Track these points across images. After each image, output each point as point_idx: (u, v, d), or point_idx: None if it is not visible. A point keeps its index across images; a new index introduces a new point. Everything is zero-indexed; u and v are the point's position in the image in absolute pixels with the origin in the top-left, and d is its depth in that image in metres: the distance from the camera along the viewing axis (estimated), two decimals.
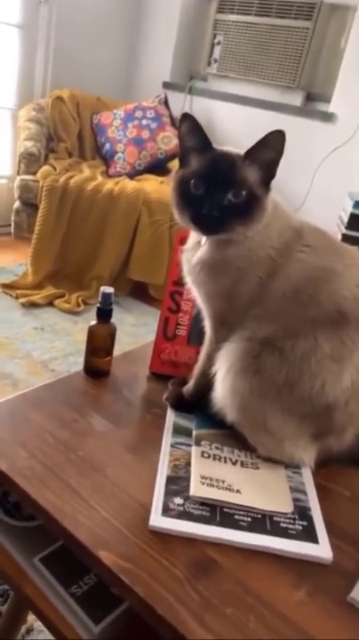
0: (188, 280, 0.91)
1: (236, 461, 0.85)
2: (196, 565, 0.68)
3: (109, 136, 3.38)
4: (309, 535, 0.74)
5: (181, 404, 0.97)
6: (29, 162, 3.07)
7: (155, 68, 3.79)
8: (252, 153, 0.79)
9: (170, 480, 0.79)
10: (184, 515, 0.74)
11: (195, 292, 0.92)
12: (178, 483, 0.79)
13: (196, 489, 0.77)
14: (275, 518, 0.76)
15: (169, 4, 3.64)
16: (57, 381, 1.03)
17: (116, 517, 0.73)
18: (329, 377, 0.81)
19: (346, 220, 2.70)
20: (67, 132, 3.35)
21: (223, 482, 0.80)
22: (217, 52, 3.54)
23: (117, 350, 1.07)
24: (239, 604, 0.64)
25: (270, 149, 0.78)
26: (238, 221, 0.79)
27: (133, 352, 1.18)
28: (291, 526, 0.75)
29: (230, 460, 0.85)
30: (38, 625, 1.21)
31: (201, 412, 0.94)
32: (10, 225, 3.14)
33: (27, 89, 3.48)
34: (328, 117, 3.14)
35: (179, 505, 0.75)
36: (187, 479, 0.80)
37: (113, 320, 1.03)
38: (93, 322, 1.03)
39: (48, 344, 2.45)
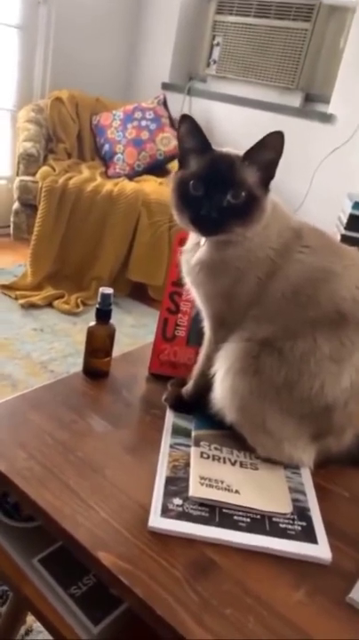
0: (188, 281, 0.91)
1: (235, 462, 0.85)
2: (195, 566, 0.68)
3: (108, 137, 3.38)
4: (308, 536, 0.74)
5: (180, 405, 0.97)
6: (28, 163, 3.07)
7: (155, 69, 3.79)
8: (251, 154, 0.79)
9: (169, 481, 0.79)
10: (183, 515, 0.74)
11: (194, 293, 0.92)
12: (177, 483, 0.79)
13: (195, 489, 0.77)
14: (274, 519, 0.76)
15: (168, 5, 3.64)
16: (56, 382, 1.03)
17: (116, 518, 0.73)
18: (328, 377, 0.81)
19: (345, 220, 2.71)
20: (67, 132, 3.36)
21: (222, 482, 0.80)
22: (216, 53, 3.55)
23: (116, 351, 1.07)
24: (238, 604, 0.64)
25: (269, 150, 0.78)
26: (237, 222, 0.79)
27: (132, 353, 1.18)
28: (290, 527, 0.75)
29: (229, 460, 0.85)
30: (37, 626, 1.21)
31: (200, 412, 0.94)
32: (9, 226, 3.14)
33: (26, 90, 3.48)
34: (327, 118, 3.14)
35: (178, 505, 0.75)
36: (187, 480, 0.80)
37: (112, 321, 1.03)
38: (92, 323, 1.03)
39: (47, 345, 2.45)
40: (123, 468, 0.82)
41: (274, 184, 0.81)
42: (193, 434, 0.90)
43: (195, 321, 1.02)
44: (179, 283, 0.99)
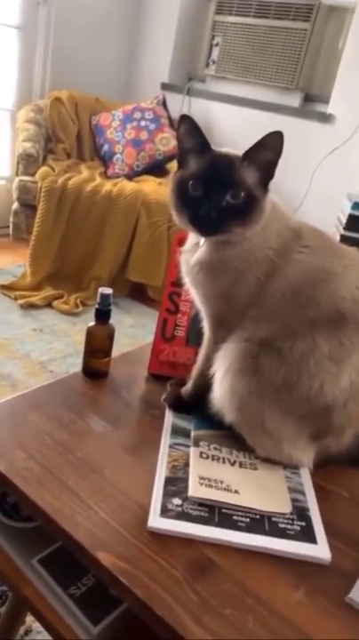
0: (187, 281, 0.91)
1: (235, 462, 0.85)
2: (195, 566, 0.68)
3: (108, 137, 3.38)
4: (308, 536, 0.74)
5: (180, 405, 0.97)
6: (28, 163, 3.07)
7: (154, 69, 3.79)
8: (251, 154, 0.79)
9: (168, 481, 0.79)
10: (182, 515, 0.74)
11: (193, 293, 0.92)
12: (176, 483, 0.79)
13: (195, 490, 0.77)
14: (273, 519, 0.76)
15: (167, 6, 3.65)
16: (55, 382, 1.03)
17: (115, 518, 0.73)
18: (327, 378, 0.81)
19: (344, 220, 2.71)
20: (66, 133, 3.35)
21: (221, 482, 0.80)
22: (215, 53, 3.55)
23: (116, 351, 1.07)
24: (238, 604, 0.64)
25: (268, 150, 0.79)
26: (236, 222, 0.79)
27: (132, 353, 1.18)
28: (289, 527, 0.75)
29: (229, 460, 0.85)
30: (37, 626, 1.20)
31: (199, 412, 0.94)
32: (8, 226, 3.14)
33: (25, 90, 3.48)
34: (326, 118, 3.14)
35: (177, 506, 0.75)
36: (186, 480, 0.80)
37: (111, 321, 1.03)
38: (92, 323, 1.03)
39: (47, 345, 2.44)
40: (122, 469, 0.82)
41: (273, 184, 0.81)
42: (192, 434, 0.90)
43: (195, 321, 1.02)
44: (178, 283, 0.99)
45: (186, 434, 0.91)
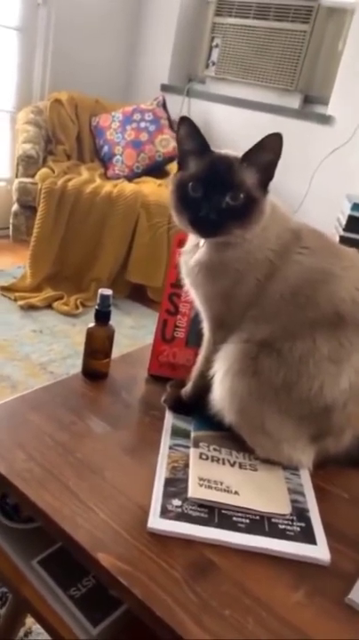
0: (187, 282, 0.92)
1: (235, 463, 0.85)
2: (195, 567, 0.68)
3: (108, 138, 3.39)
4: (307, 537, 0.74)
5: (179, 406, 0.97)
6: (28, 164, 3.07)
7: (154, 71, 3.80)
8: (250, 156, 0.79)
9: (168, 482, 0.79)
10: (182, 516, 0.74)
11: (193, 294, 0.92)
12: (176, 484, 0.79)
13: (195, 491, 0.78)
14: (273, 520, 0.76)
15: (167, 7, 3.65)
16: (55, 383, 1.03)
17: (115, 519, 0.73)
18: (327, 378, 0.81)
19: (344, 222, 2.71)
20: (66, 134, 3.36)
21: (221, 483, 0.80)
22: (215, 54, 3.55)
23: (116, 352, 1.07)
24: (237, 605, 0.64)
25: (268, 152, 0.79)
26: (236, 224, 0.79)
27: (131, 354, 1.18)
28: (289, 528, 0.75)
29: (228, 461, 0.86)
30: (37, 628, 1.20)
31: (199, 413, 0.94)
32: (8, 228, 3.14)
33: (25, 91, 3.49)
34: (326, 120, 3.14)
35: (177, 507, 0.75)
36: (186, 481, 0.80)
37: (111, 322, 1.04)
38: (92, 324, 1.03)
39: (46, 346, 2.45)
40: (122, 470, 0.82)
41: (272, 185, 0.81)
42: (192, 435, 0.90)
43: (194, 322, 1.02)
44: (178, 284, 0.99)
45: (185, 435, 0.91)
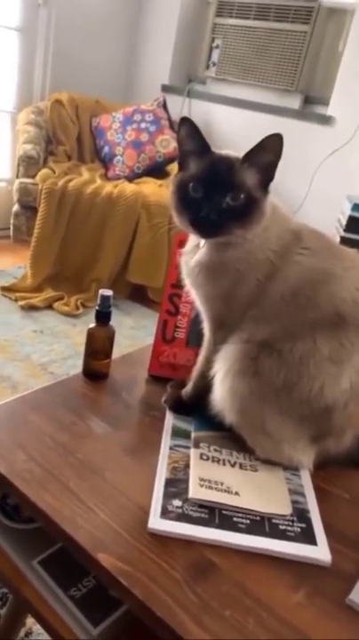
0: (187, 282, 0.92)
1: (235, 463, 0.85)
2: (195, 567, 0.68)
3: (108, 139, 3.39)
4: (308, 537, 0.74)
5: (180, 407, 0.97)
6: (28, 165, 3.07)
7: (154, 71, 3.80)
8: (251, 156, 0.79)
9: (168, 482, 0.79)
10: (183, 517, 0.74)
11: (193, 295, 0.92)
12: (176, 485, 0.79)
13: (195, 491, 0.78)
14: (273, 520, 0.76)
15: (168, 8, 3.65)
16: (56, 384, 1.03)
17: (115, 520, 0.73)
18: (327, 379, 0.81)
19: (344, 222, 2.70)
20: (67, 134, 3.36)
21: (222, 484, 0.80)
22: (215, 55, 3.56)
23: (116, 353, 1.07)
24: (238, 606, 0.64)
25: (268, 152, 0.79)
26: (237, 224, 0.79)
27: (132, 355, 1.18)
28: (289, 528, 0.75)
29: (229, 462, 0.86)
30: (37, 628, 1.20)
31: (199, 414, 0.94)
32: (9, 228, 3.14)
33: (26, 92, 3.49)
34: (326, 120, 3.14)
35: (177, 507, 0.75)
36: (186, 481, 0.80)
37: (112, 323, 1.04)
38: (92, 324, 1.03)
39: (47, 347, 2.45)
40: (122, 470, 0.82)
41: (273, 186, 0.81)
42: (192, 435, 0.90)
43: (195, 322, 1.02)
44: (178, 284, 0.99)
45: (186, 435, 0.91)
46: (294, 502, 0.80)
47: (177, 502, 0.76)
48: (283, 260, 0.83)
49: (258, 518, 0.76)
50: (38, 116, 3.27)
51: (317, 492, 0.83)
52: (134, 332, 2.68)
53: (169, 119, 3.39)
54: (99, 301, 1.01)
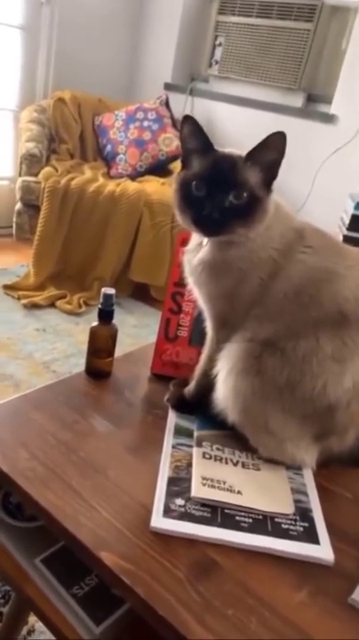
0: (190, 281, 0.91)
1: (238, 462, 0.85)
2: (198, 566, 0.68)
3: (111, 137, 3.39)
4: (310, 536, 0.74)
5: (183, 405, 0.97)
6: (31, 163, 3.07)
7: (157, 70, 3.79)
8: (254, 154, 0.79)
9: (171, 481, 0.79)
10: (185, 516, 0.74)
11: (196, 293, 0.92)
12: (179, 484, 0.79)
13: (198, 490, 0.77)
14: (276, 519, 0.76)
15: (170, 6, 3.65)
16: (58, 382, 1.04)
17: (118, 518, 0.73)
18: (330, 378, 0.81)
19: (347, 221, 2.70)
20: (69, 133, 3.36)
21: (224, 483, 0.80)
22: (218, 53, 3.55)
23: (119, 351, 1.07)
24: (240, 605, 0.64)
25: (271, 151, 0.78)
26: (239, 223, 0.79)
27: (134, 353, 1.18)
28: (292, 527, 0.75)
29: (231, 461, 0.85)
30: (40, 626, 1.21)
31: (202, 413, 0.94)
32: (11, 226, 3.15)
33: (28, 90, 3.49)
34: (329, 119, 3.14)
35: (180, 506, 0.75)
36: (189, 480, 0.80)
37: (114, 321, 1.04)
38: (95, 323, 1.03)
39: (49, 345, 2.45)
40: (125, 469, 0.82)
41: (275, 184, 0.81)
42: (195, 434, 0.90)
43: (198, 321, 1.02)
44: (181, 283, 0.99)
45: (189, 434, 0.91)
46: (297, 501, 0.80)
47: (179, 501, 0.76)
48: (286, 258, 0.83)
49: (260, 517, 0.76)
50: (41, 115, 3.27)
51: (320, 491, 0.83)
52: (137, 331, 2.68)
53: (171, 117, 3.39)
54: (101, 300, 1.01)
